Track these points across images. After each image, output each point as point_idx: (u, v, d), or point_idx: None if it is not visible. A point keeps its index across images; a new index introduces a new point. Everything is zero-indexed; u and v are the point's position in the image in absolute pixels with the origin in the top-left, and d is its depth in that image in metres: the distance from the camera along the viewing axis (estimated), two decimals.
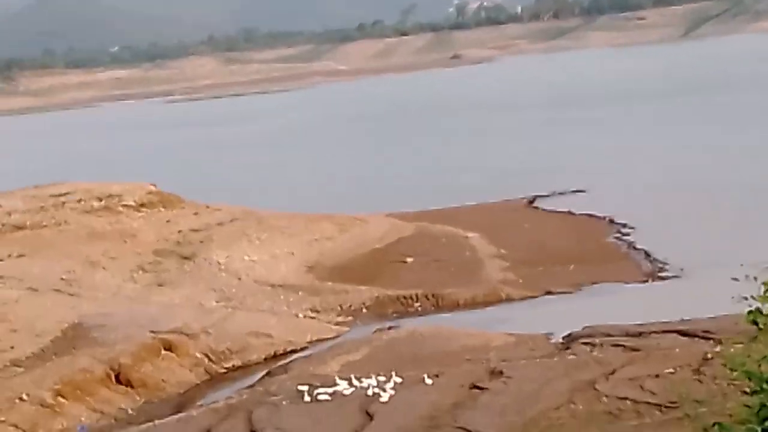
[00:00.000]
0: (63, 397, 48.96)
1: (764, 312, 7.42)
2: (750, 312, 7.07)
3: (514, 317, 55.51)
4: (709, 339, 43.83)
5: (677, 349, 44.80)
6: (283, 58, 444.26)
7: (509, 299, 59.62)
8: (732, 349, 7.31)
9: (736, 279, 8.33)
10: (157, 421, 45.47)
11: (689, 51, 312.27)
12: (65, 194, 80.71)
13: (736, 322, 36.70)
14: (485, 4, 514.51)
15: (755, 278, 8.05)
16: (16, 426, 46.48)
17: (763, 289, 7.85)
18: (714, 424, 7.66)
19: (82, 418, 47.63)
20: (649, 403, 38.74)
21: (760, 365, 7.64)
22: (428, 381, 44.33)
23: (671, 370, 41.88)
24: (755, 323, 7.02)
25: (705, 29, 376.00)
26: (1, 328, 56.33)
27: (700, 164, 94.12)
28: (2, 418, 46.66)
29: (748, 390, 7.32)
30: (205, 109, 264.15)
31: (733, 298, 7.62)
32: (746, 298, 7.81)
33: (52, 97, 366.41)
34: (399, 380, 44.23)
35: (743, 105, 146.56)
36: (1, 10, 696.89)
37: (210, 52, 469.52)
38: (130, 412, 48.52)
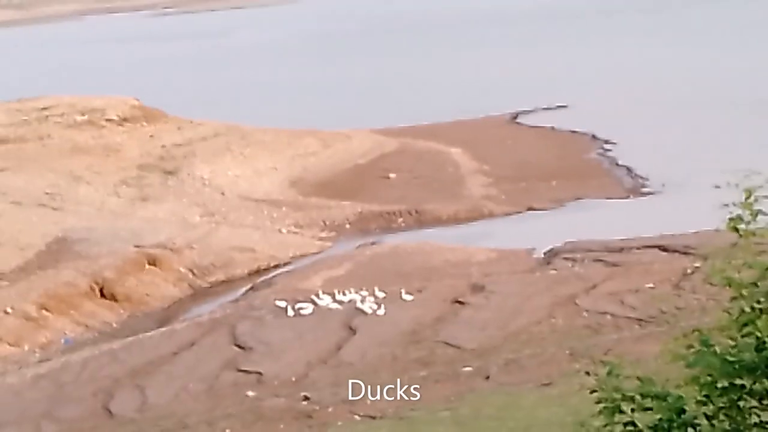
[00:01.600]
0: (47, 310, 49.84)
1: (745, 219, 7.53)
2: (731, 219, 7.53)
3: (496, 233, 56.40)
4: (690, 254, 44.91)
5: (657, 265, 46.12)
6: None
7: (491, 215, 60.42)
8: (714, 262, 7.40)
9: (717, 186, 8.10)
10: (141, 335, 46.78)
11: None
12: (48, 108, 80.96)
13: (717, 237, 37.47)
14: None
15: (736, 185, 7.86)
16: (0, 339, 46.78)
17: (744, 195, 7.80)
18: (693, 331, 7.54)
19: (66, 332, 48.75)
20: (629, 317, 40.07)
21: (739, 272, 7.57)
22: (410, 296, 45.32)
23: (651, 285, 43.13)
24: (736, 230, 7.47)
25: None
26: None
27: (690, 79, 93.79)
28: None
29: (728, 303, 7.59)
30: (187, 22, 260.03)
31: (717, 209, 7.90)
32: (727, 205, 7.52)
33: (35, 9, 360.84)
34: (382, 295, 45.53)
35: (723, 16, 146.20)
36: None
37: None
38: (114, 325, 49.52)
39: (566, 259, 49.60)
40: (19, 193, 64.96)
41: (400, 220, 60.88)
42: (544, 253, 51.02)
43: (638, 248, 49.12)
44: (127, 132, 77.22)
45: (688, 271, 43.01)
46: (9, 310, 49.08)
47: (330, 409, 35.70)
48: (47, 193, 65.51)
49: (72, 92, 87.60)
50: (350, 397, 36.47)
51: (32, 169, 69.81)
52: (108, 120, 78.58)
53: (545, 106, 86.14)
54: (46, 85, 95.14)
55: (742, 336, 6.95)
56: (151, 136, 76.66)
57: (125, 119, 78.96)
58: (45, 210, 62.10)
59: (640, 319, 39.74)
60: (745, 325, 6.95)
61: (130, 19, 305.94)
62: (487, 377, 36.86)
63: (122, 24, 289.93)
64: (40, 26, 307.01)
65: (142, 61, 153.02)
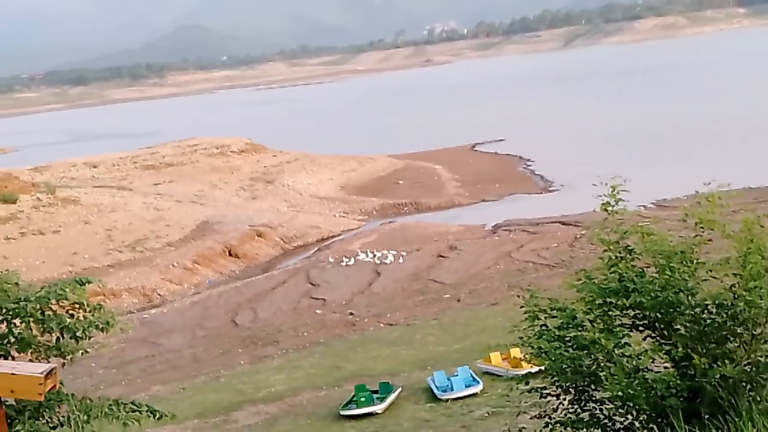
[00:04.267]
0: (198, 264, 50.58)
1: (612, 204, 7.65)
2: (603, 204, 7.73)
3: (463, 215, 56.89)
4: (578, 226, 44.95)
5: (559, 233, 46.71)
6: (326, 63, 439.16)
7: (460, 204, 60.94)
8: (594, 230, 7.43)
9: (595, 185, 8.03)
10: (253, 278, 47.43)
11: (567, 55, 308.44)
12: (197, 145, 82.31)
13: (595, 215, 37.22)
14: (445, 28, 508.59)
15: (607, 184, 7.96)
16: (170, 281, 47.90)
17: (611, 190, 7.86)
18: (581, 270, 7.74)
19: (209, 276, 48.56)
20: (542, 264, 40.52)
21: (608, 235, 7.54)
22: (412, 252, 45.78)
23: (556, 245, 43.68)
24: (606, 210, 7.45)
25: (576, 42, 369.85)
26: (161, 224, 57.34)
27: (577, 122, 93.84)
28: (163, 277, 47.74)
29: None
30: (279, 94, 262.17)
31: (595, 198, 7.89)
32: (601, 196, 7.83)
33: (187, 88, 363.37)
34: (395, 252, 46.09)
35: (600, 85, 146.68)
36: (158, 32, 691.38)
37: (281, 59, 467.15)
38: (237, 272, 49.95)
39: (505, 230, 49.91)
40: (180, 195, 65.68)
41: (406, 208, 61.19)
42: (492, 227, 51.45)
43: (548, 223, 49.48)
44: (243, 158, 78.21)
45: (578, 236, 43.17)
46: (175, 264, 49.54)
47: (365, 320, 35.92)
48: (196, 195, 66.31)
49: (211, 135, 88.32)
50: (377, 313, 36.86)
51: (188, 181, 70.53)
52: (232, 151, 79.75)
53: (491, 140, 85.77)
54: (195, 131, 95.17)
55: (610, 273, 6.97)
56: (257, 160, 77.87)
57: (242, 151, 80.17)
58: (195, 205, 62.75)
59: (549, 265, 39.91)
60: (612, 266, 6.99)
61: (245, 92, 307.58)
62: (459, 300, 37.06)
63: (240, 94, 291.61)
64: (189, 97, 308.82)
65: (251, 116, 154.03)
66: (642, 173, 40.87)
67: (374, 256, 46.19)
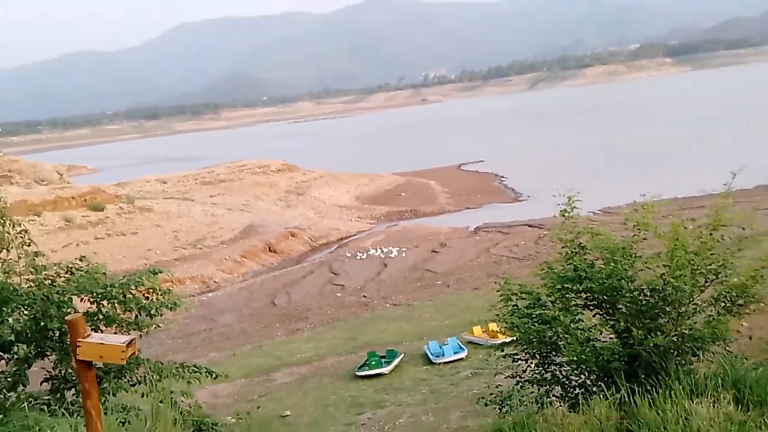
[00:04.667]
0: (244, 258, 50.26)
1: (568, 210, 7.73)
2: (562, 210, 7.44)
3: (451, 220, 56.69)
4: (542, 228, 44.67)
5: (526, 233, 46.47)
6: (344, 102, 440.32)
7: (449, 211, 60.74)
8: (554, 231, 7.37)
9: (554, 195, 8.04)
10: (287, 268, 47.37)
11: (532, 96, 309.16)
12: (244, 165, 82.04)
13: (555, 219, 37.01)
14: (437, 74, 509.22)
15: (564, 194, 7.98)
16: (223, 271, 47.67)
17: (567, 198, 7.87)
18: (544, 262, 7.71)
19: (254, 267, 48.21)
20: (514, 257, 40.36)
21: (565, 235, 7.58)
22: (412, 249, 45.66)
23: (524, 242, 43.55)
24: (564, 215, 7.37)
25: (539, 85, 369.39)
26: (216, 227, 57.25)
27: (541, 147, 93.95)
28: (218, 268, 47.77)
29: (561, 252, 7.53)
30: (307, 126, 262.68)
31: (555, 206, 7.84)
32: (559, 205, 7.65)
33: (236, 121, 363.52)
34: (398, 249, 46.09)
35: (559, 118, 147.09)
36: (214, 78, 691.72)
37: (309, 99, 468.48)
38: (275, 264, 49.79)
39: (484, 231, 49.65)
40: (230, 205, 65.78)
41: (406, 214, 60.94)
42: (474, 229, 51.05)
43: (517, 225, 49.17)
44: (280, 176, 78.14)
45: (541, 236, 43.02)
46: (227, 258, 49.48)
47: (375, 302, 35.89)
48: (243, 204, 66.27)
49: (254, 158, 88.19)
50: (384, 296, 36.81)
51: (236, 194, 70.62)
52: (271, 170, 79.80)
53: (473, 161, 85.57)
54: (242, 155, 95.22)
55: (567, 264, 6.98)
56: (291, 177, 77.75)
57: (279, 170, 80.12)
58: (242, 212, 62.71)
59: (519, 258, 39.81)
60: (568, 260, 7.00)
61: (281, 124, 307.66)
62: (448, 286, 36.98)
63: (277, 126, 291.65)
64: (237, 129, 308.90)
65: (286, 143, 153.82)
66: (591, 186, 40.72)
67: (382, 251, 46.23)
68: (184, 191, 72.81)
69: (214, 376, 9.13)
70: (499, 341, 22.23)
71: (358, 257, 45.71)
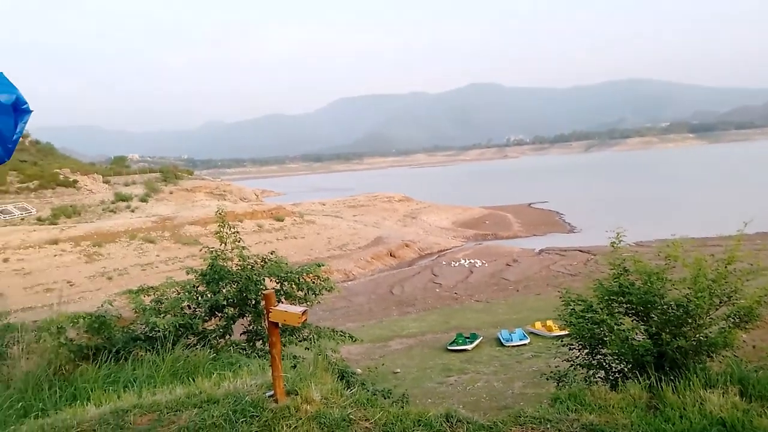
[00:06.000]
0: (373, 259, 49.88)
1: (616, 242, 7.20)
2: (611, 242, 7.08)
3: (522, 242, 54.81)
4: (589, 253, 42.81)
5: (578, 256, 44.31)
6: (447, 155, 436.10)
7: (520, 236, 58.82)
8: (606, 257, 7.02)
9: (606, 231, 7.57)
10: (403, 269, 46.64)
11: (586, 157, 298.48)
12: (376, 197, 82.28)
13: (603, 248, 35.51)
14: (515, 138, 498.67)
15: (614, 231, 7.46)
16: (358, 267, 47.60)
17: (616, 233, 7.39)
18: (596, 280, 7.21)
19: (379, 266, 48.17)
20: (568, 273, 38.55)
21: (613, 260, 7.13)
22: (491, 261, 44.52)
23: (576, 263, 41.56)
24: (613, 245, 7.09)
25: (592, 149, 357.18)
26: (356, 237, 57.32)
27: (592, 193, 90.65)
28: (355, 265, 47.82)
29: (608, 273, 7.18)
30: (421, 171, 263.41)
31: (601, 237, 7.60)
32: (609, 238, 7.05)
33: (373, 166, 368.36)
34: (481, 261, 44.85)
35: (606, 173, 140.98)
36: (362, 135, 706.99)
37: (423, 152, 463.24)
38: (393, 265, 49.21)
39: (546, 252, 47.75)
40: (366, 222, 66.11)
41: (489, 236, 59.55)
42: (538, 250, 49.16)
43: (571, 250, 47.07)
44: (400, 204, 78.14)
45: (589, 259, 41.25)
46: (362, 258, 49.43)
47: (463, 297, 35.19)
48: (374, 223, 66.46)
49: (383, 191, 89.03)
50: (470, 294, 36.17)
51: (371, 215, 71.16)
52: (394, 200, 79.97)
53: (540, 201, 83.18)
54: (375, 189, 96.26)
55: (613, 281, 6.71)
56: (408, 206, 77.56)
57: (399, 200, 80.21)
58: (374, 228, 62.71)
59: (572, 274, 38.10)
60: (615, 278, 6.73)
61: (403, 169, 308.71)
62: (517, 290, 35.78)
63: (400, 170, 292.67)
64: (374, 170, 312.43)
65: (406, 182, 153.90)
66: (627, 224, 38.74)
67: (470, 262, 45.33)
68: (336, 211, 73.79)
69: (353, 339, 9.24)
70: (554, 333, 21.61)
71: (452, 265, 45.11)
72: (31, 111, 3.56)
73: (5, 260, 40.59)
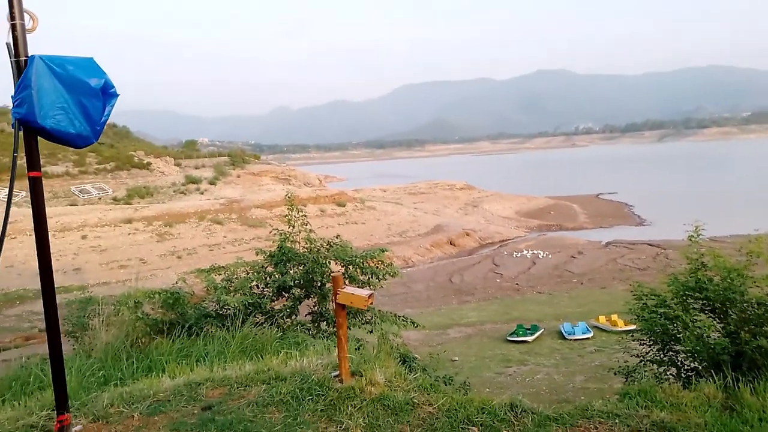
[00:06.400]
0: (433, 247, 49.76)
1: (694, 235, 6.84)
2: (690, 236, 6.79)
3: (588, 234, 53.17)
4: (659, 247, 41.27)
5: (647, 250, 42.69)
6: (512, 142, 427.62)
7: (586, 228, 57.14)
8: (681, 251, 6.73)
9: (684, 224, 7.26)
10: (463, 257, 46.29)
11: (659, 147, 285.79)
12: (437, 184, 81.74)
13: (672, 242, 34.11)
14: (584, 126, 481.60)
15: (692, 225, 7.15)
16: (418, 254, 47.50)
17: (695, 227, 7.13)
18: (671, 274, 6.96)
19: (438, 254, 47.96)
20: (636, 267, 37.47)
21: (689, 255, 6.68)
22: (555, 253, 43.58)
23: (644, 257, 40.07)
24: (691, 239, 6.80)
25: (666, 139, 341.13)
26: (416, 224, 57.24)
27: (662, 185, 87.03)
28: (415, 252, 47.79)
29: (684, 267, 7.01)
30: (485, 158, 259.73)
31: (672, 231, 7.28)
32: (688, 231, 7.16)
33: (436, 153, 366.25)
34: (545, 252, 43.94)
35: (680, 165, 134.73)
36: (422, 122, 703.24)
37: (486, 140, 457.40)
38: (454, 253, 48.90)
39: (613, 245, 46.14)
40: (427, 209, 65.97)
41: (554, 227, 58.10)
42: (605, 243, 47.56)
43: (640, 243, 45.25)
44: (462, 192, 77.27)
45: (659, 253, 39.63)
46: (421, 246, 49.35)
47: (525, 288, 34.62)
48: (435, 210, 66.13)
49: (445, 178, 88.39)
50: (532, 285, 35.55)
51: (431, 202, 70.85)
52: (456, 188, 79.24)
53: (609, 192, 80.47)
54: (437, 176, 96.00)
55: (690, 276, 6.43)
56: (469, 194, 76.42)
57: (461, 188, 79.26)
58: (434, 216, 62.45)
59: (640, 268, 36.74)
60: (692, 273, 6.45)
61: (466, 157, 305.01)
62: (582, 283, 34.81)
63: (463, 158, 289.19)
64: (436, 157, 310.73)
65: (469, 169, 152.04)
66: (700, 218, 37.08)
67: (533, 253, 44.38)
68: (397, 198, 73.97)
69: (416, 325, 9.28)
70: (620, 328, 20.97)
71: (515, 255, 44.33)
72: (118, 95, 3.75)
73: (83, 237, 43.02)
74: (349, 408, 4.31)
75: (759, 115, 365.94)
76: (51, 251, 3.59)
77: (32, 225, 3.61)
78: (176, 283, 7.75)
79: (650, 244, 44.60)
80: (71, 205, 55.85)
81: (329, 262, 8.38)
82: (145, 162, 74.41)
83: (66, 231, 43.20)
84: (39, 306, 8.52)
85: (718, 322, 6.17)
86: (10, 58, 3.39)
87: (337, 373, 4.80)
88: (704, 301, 6.30)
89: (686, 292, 6.33)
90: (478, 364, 19.56)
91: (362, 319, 8.55)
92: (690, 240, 6.92)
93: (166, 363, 5.76)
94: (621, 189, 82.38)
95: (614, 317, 22.26)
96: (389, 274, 8.70)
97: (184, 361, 5.75)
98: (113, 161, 70.76)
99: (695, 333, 5.90)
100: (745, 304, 6.10)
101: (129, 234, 44.85)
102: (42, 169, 3.69)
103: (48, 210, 5.55)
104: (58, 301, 3.64)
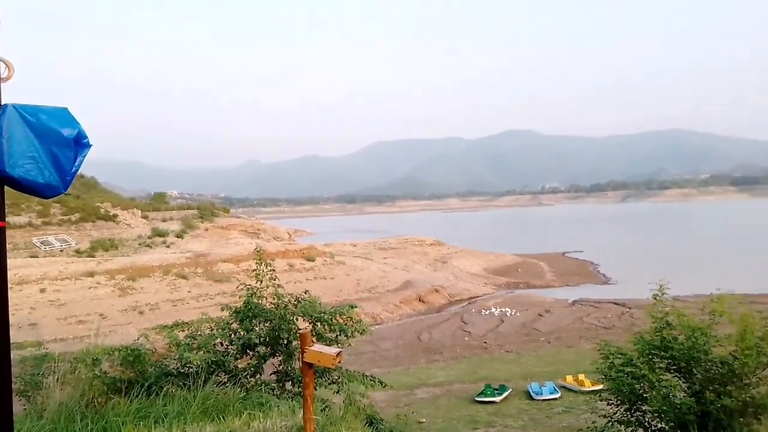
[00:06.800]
0: (402, 303, 49.34)
1: (659, 294, 7.21)
2: (654, 294, 6.85)
3: (554, 292, 53.66)
4: (624, 306, 41.76)
5: (612, 308, 43.17)
6: (481, 200, 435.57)
7: (553, 286, 57.67)
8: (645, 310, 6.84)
9: (649, 283, 7.49)
10: (431, 315, 46.03)
11: (623, 207, 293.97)
12: (407, 239, 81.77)
13: (637, 301, 34.56)
14: (550, 185, 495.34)
15: (657, 284, 7.45)
16: (387, 311, 47.06)
17: (659, 285, 7.37)
18: (636, 333, 7.22)
19: (407, 312, 47.67)
20: (601, 326, 37.50)
21: (653, 313, 7.08)
22: (523, 311, 43.69)
23: (610, 315, 40.43)
24: (655, 298, 6.92)
25: (629, 200, 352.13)
26: (385, 280, 56.76)
27: (626, 244, 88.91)
28: (383, 308, 47.39)
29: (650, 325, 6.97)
30: (453, 215, 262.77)
31: (636, 289, 7.45)
32: (653, 290, 7.08)
33: (406, 209, 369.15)
34: (513, 310, 44.00)
35: (642, 224, 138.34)
36: (393, 178, 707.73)
37: (456, 197, 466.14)
38: (422, 310, 48.66)
39: (579, 303, 46.62)
40: (396, 265, 65.57)
41: (521, 285, 58.46)
42: (572, 301, 48.09)
43: (605, 302, 45.90)
44: (431, 248, 77.38)
45: (624, 312, 40.14)
46: (390, 302, 48.92)
47: (493, 347, 34.43)
48: (404, 266, 65.90)
49: (414, 234, 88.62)
50: (500, 344, 35.39)
51: (401, 258, 70.78)
52: (426, 244, 79.25)
53: (575, 250, 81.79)
54: (407, 232, 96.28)
55: (655, 335, 6.52)
56: (439, 250, 76.63)
57: (431, 244, 79.39)
58: (404, 271, 62.22)
59: (605, 327, 37.05)
60: (657, 332, 6.54)
61: (435, 213, 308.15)
62: (549, 342, 34.85)
63: (432, 214, 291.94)
64: (405, 213, 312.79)
65: (437, 226, 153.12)
66: (662, 277, 37.80)
67: (501, 311, 44.41)
68: (367, 253, 73.68)
69: (383, 385, 9.12)
70: (586, 388, 20.94)
71: (483, 313, 44.26)
72: (91, 145, 3.72)
73: (42, 290, 41.54)
74: None
75: (717, 177, 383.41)
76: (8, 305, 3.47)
77: None
78: (137, 339, 7.50)
79: (615, 303, 45.07)
80: (32, 257, 54.10)
81: (296, 319, 8.25)
82: (111, 214, 73.06)
83: (24, 284, 41.67)
84: None
85: (683, 382, 6.24)
86: None
87: None
88: (669, 360, 6.38)
89: (652, 351, 6.41)
90: (445, 426, 19.20)
91: (329, 378, 8.36)
92: (655, 299, 7.06)
93: (123, 425, 5.52)
94: (586, 247, 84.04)
95: (581, 377, 22.28)
96: (358, 331, 8.59)
97: (141, 423, 5.51)
98: (78, 212, 69.27)
99: (661, 392, 5.94)
100: (709, 363, 6.22)
101: (90, 288, 43.48)
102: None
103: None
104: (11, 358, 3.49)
